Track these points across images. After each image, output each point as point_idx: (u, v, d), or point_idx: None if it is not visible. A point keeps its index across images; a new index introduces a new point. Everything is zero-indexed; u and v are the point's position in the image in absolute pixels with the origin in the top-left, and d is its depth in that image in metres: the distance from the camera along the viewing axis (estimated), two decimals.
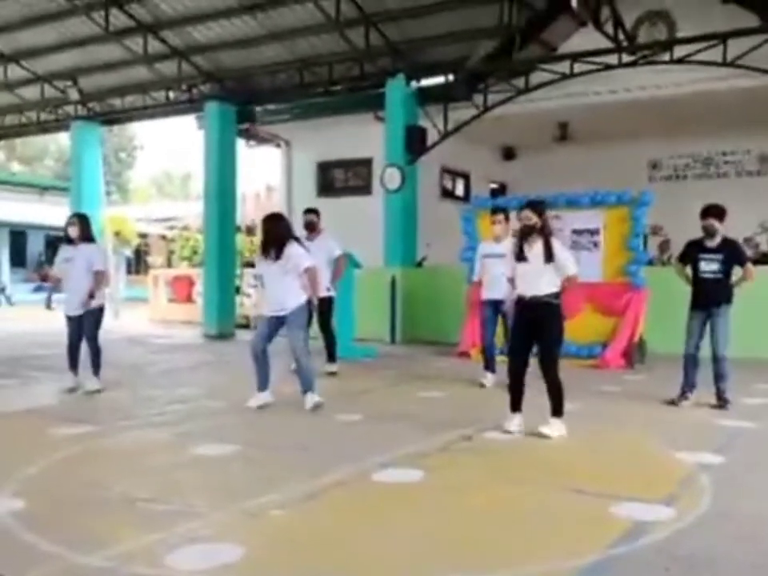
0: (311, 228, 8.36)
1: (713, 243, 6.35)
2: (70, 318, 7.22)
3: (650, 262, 10.65)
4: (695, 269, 6.44)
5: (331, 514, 3.71)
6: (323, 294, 8.11)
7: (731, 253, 6.35)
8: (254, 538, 3.36)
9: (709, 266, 6.33)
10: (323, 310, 8.18)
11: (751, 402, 6.58)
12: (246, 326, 14.47)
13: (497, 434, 5.32)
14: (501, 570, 2.98)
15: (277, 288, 6.37)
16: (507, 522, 3.59)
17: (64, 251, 7.30)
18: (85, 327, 7.14)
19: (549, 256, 5.25)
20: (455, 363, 9.44)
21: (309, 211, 8.54)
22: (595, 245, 9.49)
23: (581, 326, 9.22)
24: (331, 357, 8.39)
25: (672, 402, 6.42)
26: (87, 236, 7.26)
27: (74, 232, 7.18)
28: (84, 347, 7.25)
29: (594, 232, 9.50)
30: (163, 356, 10.45)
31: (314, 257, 7.83)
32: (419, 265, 12.75)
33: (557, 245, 5.38)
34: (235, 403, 6.44)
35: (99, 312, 7.22)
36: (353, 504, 3.87)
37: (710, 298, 6.32)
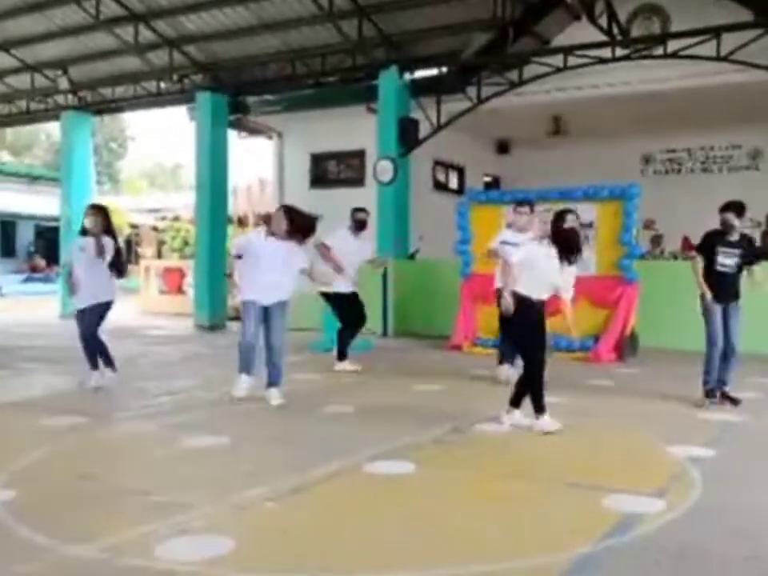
0: (365, 226, 8.41)
1: (733, 237, 6.29)
2: (81, 312, 6.87)
3: (642, 256, 10.68)
4: (712, 261, 6.27)
5: (322, 506, 3.71)
6: (352, 289, 8.21)
7: (747, 248, 6.30)
8: (244, 530, 3.36)
9: (729, 260, 6.24)
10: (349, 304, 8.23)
11: (742, 396, 6.59)
12: (237, 318, 14.42)
13: (489, 427, 5.33)
14: (491, 563, 2.98)
15: (277, 273, 6.17)
16: (498, 514, 3.60)
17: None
18: (88, 321, 6.81)
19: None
20: (448, 356, 9.45)
21: (363, 210, 8.48)
22: (587, 238, 9.49)
23: None
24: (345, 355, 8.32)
25: (702, 403, 6.22)
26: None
27: (89, 223, 6.80)
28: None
29: (586, 226, 9.49)
30: (155, 348, 10.42)
31: (357, 253, 8.24)
32: (411, 257, 12.74)
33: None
34: (228, 395, 6.42)
35: (107, 306, 6.89)
36: (344, 496, 3.87)
37: (728, 292, 6.25)
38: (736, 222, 6.27)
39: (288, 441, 5.05)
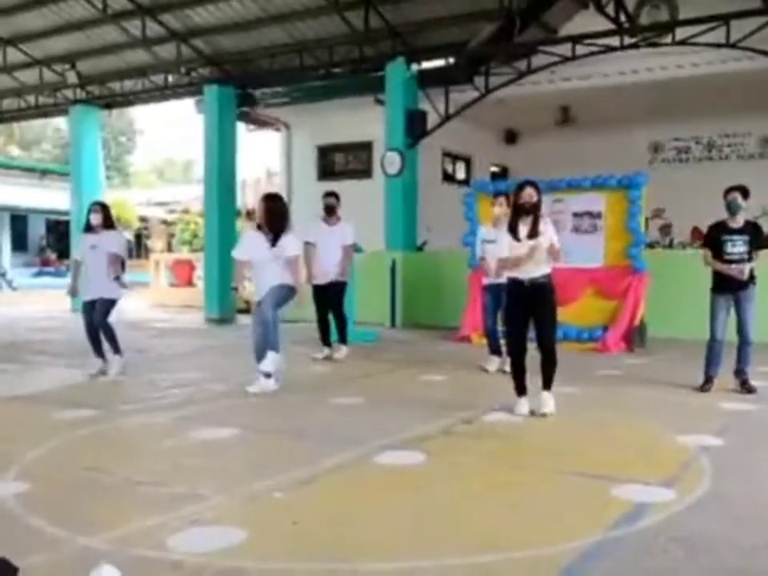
0: (330, 211, 8.28)
1: (736, 224, 6.23)
2: (85, 304, 7.32)
3: (651, 246, 10.64)
4: (721, 251, 6.23)
5: (332, 496, 3.73)
6: (338, 278, 8.17)
7: (753, 234, 6.23)
8: (255, 521, 3.37)
9: (735, 248, 6.17)
10: (335, 293, 8.22)
11: (755, 385, 6.56)
12: (246, 311, 14.46)
13: (498, 418, 5.34)
14: (502, 552, 2.99)
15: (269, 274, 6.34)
16: (507, 504, 3.61)
17: (88, 239, 7.31)
18: (95, 313, 7.24)
19: (534, 233, 5.25)
20: (456, 347, 9.45)
21: (329, 194, 8.39)
22: (596, 228, 9.47)
23: (581, 310, 9.24)
24: (342, 340, 8.34)
25: (702, 389, 6.28)
26: (109, 224, 7.32)
27: (95, 219, 7.23)
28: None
29: (595, 215, 9.48)
30: (165, 340, 10.47)
31: (329, 242, 7.91)
32: (420, 249, 12.73)
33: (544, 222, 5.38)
34: (237, 387, 6.46)
35: (111, 303, 7.29)
36: (353, 487, 3.88)
37: (736, 279, 6.16)
38: (742, 201, 6.21)
39: (297, 432, 5.07)
